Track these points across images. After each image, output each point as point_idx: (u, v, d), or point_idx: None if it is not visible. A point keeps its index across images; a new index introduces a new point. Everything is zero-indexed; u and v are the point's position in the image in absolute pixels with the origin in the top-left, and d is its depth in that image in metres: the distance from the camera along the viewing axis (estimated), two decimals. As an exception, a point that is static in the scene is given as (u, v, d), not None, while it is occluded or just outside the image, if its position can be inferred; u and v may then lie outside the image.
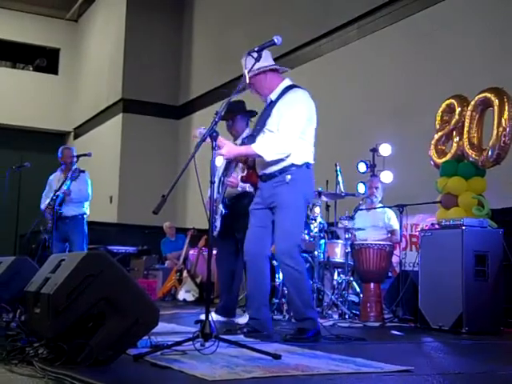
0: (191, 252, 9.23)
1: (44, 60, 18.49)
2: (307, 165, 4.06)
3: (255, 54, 3.65)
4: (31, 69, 17.68)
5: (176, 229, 10.67)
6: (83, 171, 7.01)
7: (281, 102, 4.06)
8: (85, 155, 7.24)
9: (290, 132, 3.96)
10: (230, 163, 5.33)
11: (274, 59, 4.16)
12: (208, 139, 3.41)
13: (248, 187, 5.13)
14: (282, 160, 3.98)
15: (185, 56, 14.45)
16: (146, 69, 14.31)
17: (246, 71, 3.58)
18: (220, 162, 5.42)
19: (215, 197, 5.35)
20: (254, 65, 3.77)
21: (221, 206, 5.32)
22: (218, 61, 12.84)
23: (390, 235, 6.58)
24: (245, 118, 5.45)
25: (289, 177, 3.98)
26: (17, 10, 16.70)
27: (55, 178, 7.31)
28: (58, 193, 6.87)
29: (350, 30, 9.32)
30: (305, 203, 4.15)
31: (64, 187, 6.82)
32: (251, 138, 4.16)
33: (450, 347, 4.11)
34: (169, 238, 10.55)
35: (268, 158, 3.95)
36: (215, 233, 5.38)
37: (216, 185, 5.29)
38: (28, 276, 3.35)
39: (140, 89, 14.23)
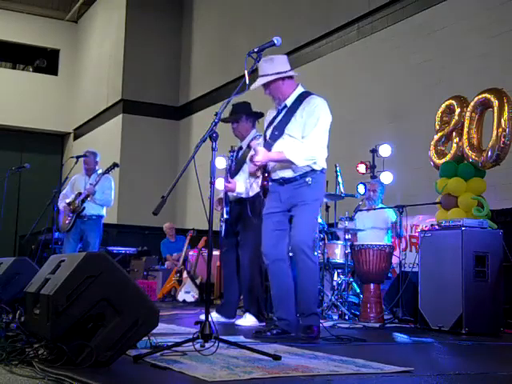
0: (191, 253, 9.23)
1: (44, 61, 18.53)
2: (322, 170, 4.22)
3: (255, 55, 3.65)
4: (31, 69, 17.71)
5: (176, 230, 10.67)
6: (107, 172, 7.05)
7: (304, 109, 4.15)
8: (85, 156, 7.26)
9: (318, 140, 4.11)
10: (238, 166, 5.34)
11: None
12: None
13: (238, 193, 5.21)
14: (300, 166, 4.11)
15: (185, 57, 14.46)
16: (146, 69, 14.33)
17: (246, 72, 3.57)
18: (223, 165, 5.44)
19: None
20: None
21: (225, 210, 5.33)
22: (218, 61, 12.85)
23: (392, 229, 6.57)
24: (250, 119, 5.42)
25: (309, 179, 4.13)
26: (17, 11, 16.73)
27: (78, 179, 7.29)
28: (83, 192, 6.93)
29: (350, 31, 9.33)
30: (320, 206, 4.35)
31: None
32: (269, 143, 4.21)
33: (450, 348, 4.11)
34: (168, 239, 10.55)
35: (300, 163, 4.08)
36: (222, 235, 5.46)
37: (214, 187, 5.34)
38: (28, 277, 3.35)
39: (140, 89, 14.25)
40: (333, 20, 9.65)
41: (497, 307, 4.89)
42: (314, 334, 4.00)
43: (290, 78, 4.22)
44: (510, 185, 6.59)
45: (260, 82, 4.14)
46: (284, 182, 4.20)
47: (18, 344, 2.92)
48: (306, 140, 4.09)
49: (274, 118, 4.29)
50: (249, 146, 5.20)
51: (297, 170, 4.14)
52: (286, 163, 4.13)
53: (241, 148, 5.45)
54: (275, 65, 4.14)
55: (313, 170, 4.15)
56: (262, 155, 4.08)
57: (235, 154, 5.48)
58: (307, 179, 4.13)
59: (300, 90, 4.26)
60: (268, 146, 4.19)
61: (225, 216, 5.33)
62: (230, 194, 5.32)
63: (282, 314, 4.22)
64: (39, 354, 2.69)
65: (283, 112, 4.24)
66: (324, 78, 9.49)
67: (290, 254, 4.33)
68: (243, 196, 5.27)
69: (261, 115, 5.46)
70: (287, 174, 4.18)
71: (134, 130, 14.18)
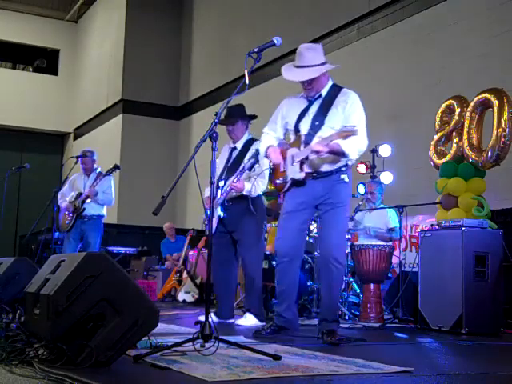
0: (191, 253, 9.23)
1: (44, 61, 18.54)
2: (350, 166, 4.17)
3: (255, 55, 3.62)
4: (31, 69, 17.72)
5: (176, 230, 10.67)
6: (109, 174, 7.05)
7: (346, 102, 4.04)
8: (84, 156, 7.26)
9: (365, 134, 4.01)
10: (233, 166, 5.31)
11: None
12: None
13: (253, 192, 5.19)
14: (340, 160, 4.01)
15: (185, 57, 14.46)
16: (146, 69, 14.33)
17: (246, 72, 3.52)
18: (219, 163, 5.40)
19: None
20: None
21: (219, 209, 5.29)
22: (218, 61, 12.85)
23: (391, 233, 6.55)
24: (245, 121, 5.44)
25: (345, 176, 4.05)
26: (17, 11, 16.73)
27: (77, 179, 7.30)
28: (83, 193, 6.93)
29: (350, 31, 9.33)
30: None
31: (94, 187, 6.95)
32: (310, 134, 4.03)
33: (450, 348, 4.11)
34: (169, 239, 10.55)
35: (353, 157, 4.00)
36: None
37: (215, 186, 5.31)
38: (28, 277, 3.35)
39: (140, 89, 14.25)
40: (333, 20, 9.64)
41: (497, 307, 4.89)
42: (338, 337, 3.95)
43: None
44: (510, 185, 6.59)
45: (313, 72, 3.97)
46: (318, 175, 4.05)
47: (17, 344, 2.92)
48: (357, 135, 3.89)
49: (307, 108, 4.12)
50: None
51: (334, 164, 4.01)
52: (333, 156, 3.95)
53: (235, 148, 5.43)
54: (319, 55, 4.03)
55: (346, 165, 4.06)
56: (321, 144, 3.85)
57: (230, 153, 5.45)
58: (342, 176, 4.04)
59: (331, 81, 4.17)
60: (309, 137, 4.03)
61: (221, 214, 5.29)
62: (232, 192, 5.28)
63: (283, 311, 4.20)
64: (39, 354, 2.69)
65: (317, 102, 4.10)
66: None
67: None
68: (252, 195, 5.21)
69: (254, 117, 5.45)
70: (323, 167, 4.03)
71: (134, 130, 14.18)
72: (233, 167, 5.31)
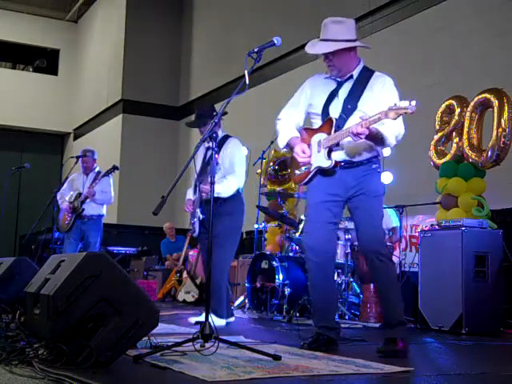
0: (191, 253, 9.23)
1: (44, 61, 18.52)
2: (381, 159, 3.87)
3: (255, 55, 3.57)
4: (31, 69, 17.71)
5: (176, 230, 10.68)
6: (107, 175, 7.07)
7: (384, 86, 3.73)
8: (85, 156, 7.26)
9: (402, 120, 3.62)
10: (208, 165, 5.17)
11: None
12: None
13: (225, 192, 5.03)
14: (374, 148, 3.68)
15: (185, 57, 14.46)
16: (146, 69, 14.33)
17: (246, 72, 3.47)
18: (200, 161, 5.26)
19: (193, 199, 5.30)
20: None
21: (198, 211, 5.19)
22: (218, 61, 12.85)
23: (391, 234, 6.55)
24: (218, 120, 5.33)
25: (376, 166, 3.72)
26: (17, 11, 16.73)
27: (76, 178, 7.31)
28: (83, 193, 6.95)
29: (350, 30, 9.33)
30: None
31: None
32: (342, 118, 3.66)
33: (450, 348, 4.11)
34: (169, 239, 10.56)
35: (392, 143, 3.64)
36: (195, 234, 5.37)
37: (193, 186, 5.24)
38: (28, 277, 3.35)
39: (140, 89, 14.25)
40: (333, 20, 9.64)
41: (497, 307, 4.89)
42: (396, 347, 3.45)
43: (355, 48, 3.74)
44: (509, 185, 6.59)
45: (329, 47, 3.65)
46: (349, 165, 3.66)
47: (17, 344, 2.92)
48: (391, 120, 3.42)
49: (336, 89, 3.75)
50: (215, 147, 5.13)
51: (368, 152, 3.66)
52: (367, 143, 3.58)
53: (208, 148, 5.17)
54: (347, 30, 3.72)
55: (378, 156, 3.74)
56: (366, 126, 3.37)
57: (205, 153, 5.32)
58: (374, 166, 3.68)
59: (362, 63, 3.82)
60: (341, 121, 3.64)
61: (200, 216, 5.19)
62: (204, 194, 5.04)
63: (331, 323, 3.73)
64: (39, 354, 2.69)
65: (348, 84, 3.74)
66: (324, 77, 9.47)
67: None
68: (223, 196, 4.99)
69: (224, 114, 5.30)
70: (355, 157, 3.66)
71: (134, 130, 14.18)
72: (208, 167, 5.02)
